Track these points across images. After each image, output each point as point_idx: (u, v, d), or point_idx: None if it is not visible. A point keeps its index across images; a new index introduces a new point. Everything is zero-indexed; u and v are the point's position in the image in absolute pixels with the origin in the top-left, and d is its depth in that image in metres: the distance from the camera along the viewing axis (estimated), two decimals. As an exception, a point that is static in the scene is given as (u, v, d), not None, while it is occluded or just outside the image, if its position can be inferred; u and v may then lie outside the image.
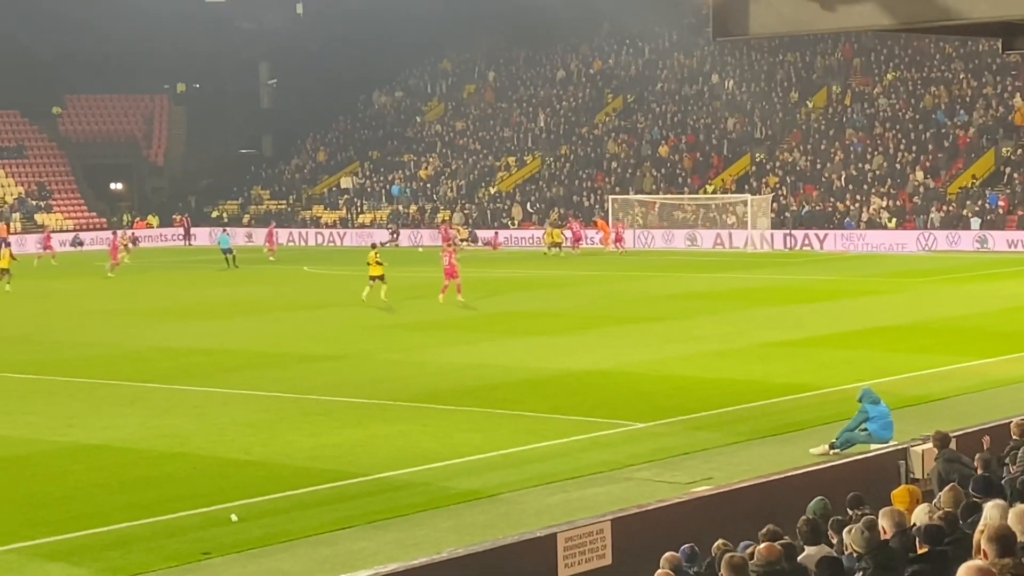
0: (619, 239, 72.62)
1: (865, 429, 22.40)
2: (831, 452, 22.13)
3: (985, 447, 17.07)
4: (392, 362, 33.67)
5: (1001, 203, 70.16)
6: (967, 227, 69.31)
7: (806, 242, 72.23)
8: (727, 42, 74.43)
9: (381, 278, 46.26)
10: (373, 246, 50.69)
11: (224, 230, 76.17)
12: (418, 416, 26.59)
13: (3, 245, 64.88)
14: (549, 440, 24.12)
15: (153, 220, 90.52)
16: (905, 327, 38.53)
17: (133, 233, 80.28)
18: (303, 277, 61.86)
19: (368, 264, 46.94)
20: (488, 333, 38.90)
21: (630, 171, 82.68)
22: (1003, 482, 14.67)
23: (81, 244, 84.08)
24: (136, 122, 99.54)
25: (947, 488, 13.30)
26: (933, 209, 71.03)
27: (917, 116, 78.46)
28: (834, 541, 12.75)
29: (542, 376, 31.07)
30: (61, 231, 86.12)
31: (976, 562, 8.72)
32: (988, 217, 69.54)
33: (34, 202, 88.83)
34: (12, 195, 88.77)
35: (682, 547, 12.90)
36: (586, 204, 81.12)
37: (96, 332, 41.28)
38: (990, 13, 8.92)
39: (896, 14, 8.62)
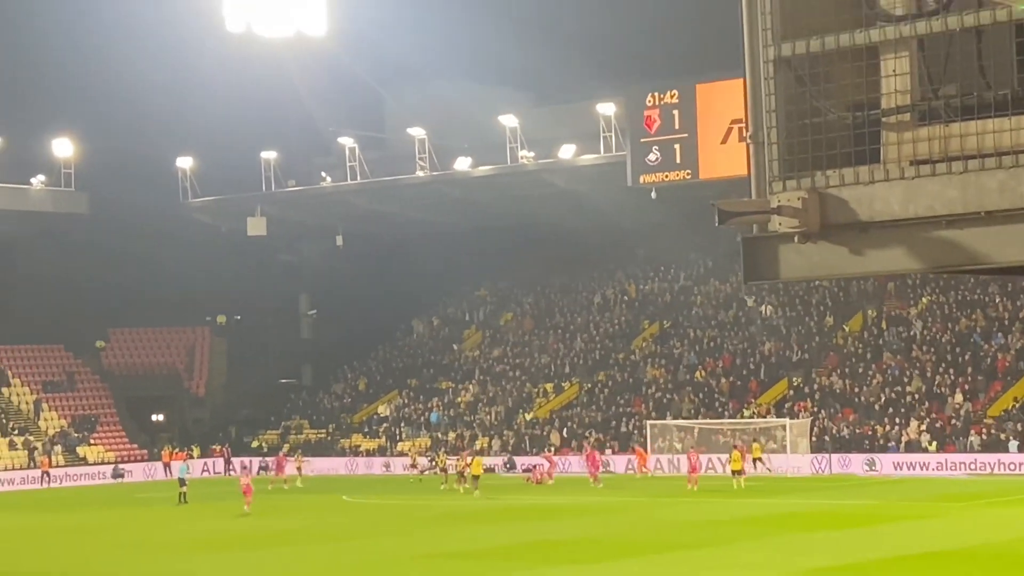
0: (595, 468, 69.38)
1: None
2: None
3: None
4: (433, 594, 33.48)
5: (1042, 425, 69.89)
6: (1005, 450, 69.01)
7: (846, 465, 71.86)
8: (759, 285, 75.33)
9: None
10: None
11: (185, 460, 76.23)
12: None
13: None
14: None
15: (195, 451, 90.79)
16: (948, 553, 38.18)
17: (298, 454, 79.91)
18: (342, 506, 61.74)
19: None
20: (526, 561, 38.71)
21: (668, 396, 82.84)
22: None
23: (122, 476, 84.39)
24: (178, 354, 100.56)
25: None
26: (973, 432, 70.78)
27: (954, 339, 78.62)
28: None
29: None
30: (102, 463, 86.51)
31: None
32: (1029, 439, 69.31)
33: (76, 434, 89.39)
34: (55, 428, 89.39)
35: None
36: (624, 430, 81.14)
37: (131, 565, 41.21)
38: (1019, 257, 9.21)
39: (925, 259, 8.93)
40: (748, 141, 9.64)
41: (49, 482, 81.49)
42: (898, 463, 70.76)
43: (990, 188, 8.74)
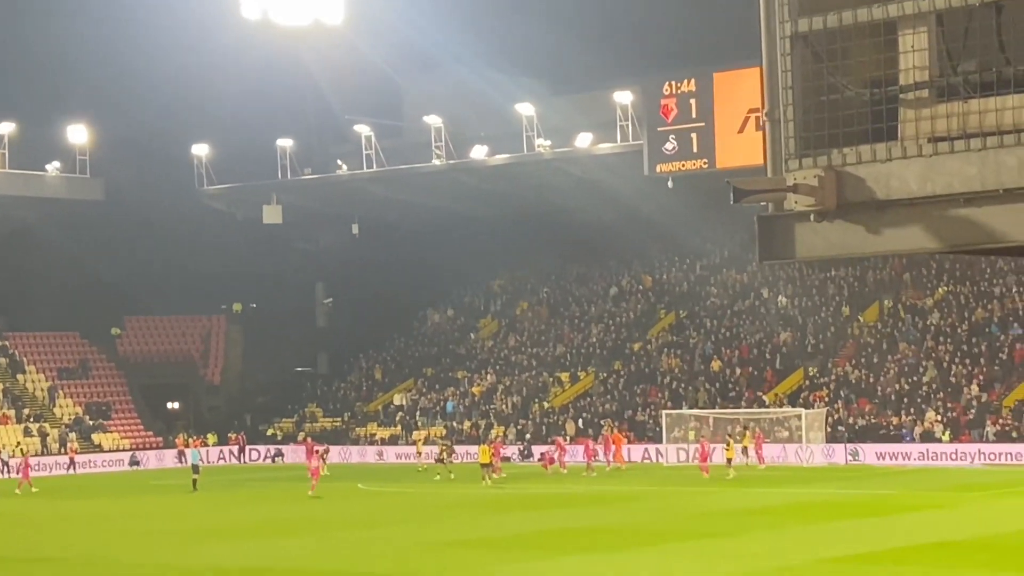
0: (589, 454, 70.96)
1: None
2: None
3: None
4: (447, 581, 33.43)
5: (1058, 416, 69.70)
6: (1023, 440, 68.84)
7: (860, 455, 71.74)
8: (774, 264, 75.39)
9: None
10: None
11: (196, 445, 76.23)
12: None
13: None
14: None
15: (212, 438, 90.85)
16: (962, 543, 38.05)
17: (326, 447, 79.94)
18: (358, 495, 61.77)
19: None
20: (543, 551, 38.62)
21: (683, 386, 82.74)
22: None
23: (138, 463, 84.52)
24: (193, 342, 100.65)
25: None
26: (988, 423, 70.58)
27: (970, 330, 78.38)
28: None
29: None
30: (117, 450, 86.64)
31: None
32: (1045, 430, 69.12)
33: (91, 421, 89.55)
34: (70, 415, 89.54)
35: None
36: (639, 419, 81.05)
37: (149, 552, 41.21)
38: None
39: (942, 237, 8.82)
40: (764, 119, 9.55)
41: (74, 468, 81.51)
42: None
43: (1009, 165, 8.64)
